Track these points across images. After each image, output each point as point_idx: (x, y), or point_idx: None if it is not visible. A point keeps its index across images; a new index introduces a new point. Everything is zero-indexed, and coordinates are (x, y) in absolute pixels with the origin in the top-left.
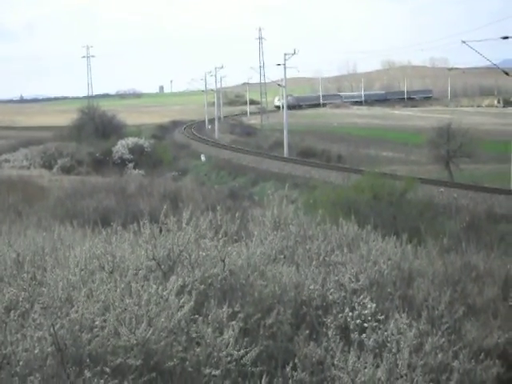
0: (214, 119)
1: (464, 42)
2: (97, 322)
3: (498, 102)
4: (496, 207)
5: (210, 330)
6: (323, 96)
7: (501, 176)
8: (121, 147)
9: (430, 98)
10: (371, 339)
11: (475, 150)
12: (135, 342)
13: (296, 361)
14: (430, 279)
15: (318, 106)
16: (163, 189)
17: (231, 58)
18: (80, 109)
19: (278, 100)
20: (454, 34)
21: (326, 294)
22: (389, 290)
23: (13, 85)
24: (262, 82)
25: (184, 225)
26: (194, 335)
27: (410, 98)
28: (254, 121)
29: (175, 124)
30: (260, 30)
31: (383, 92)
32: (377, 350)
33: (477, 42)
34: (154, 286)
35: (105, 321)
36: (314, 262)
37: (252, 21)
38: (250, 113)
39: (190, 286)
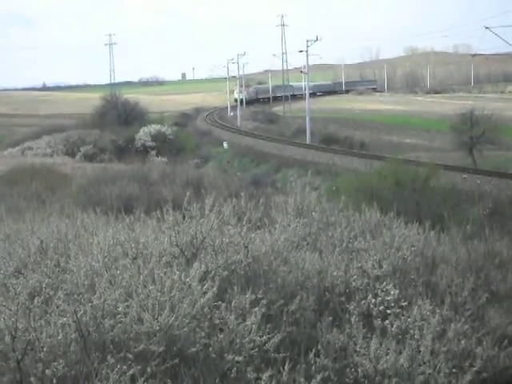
0: (236, 106)
1: (487, 27)
2: (120, 309)
3: None
4: None
5: (232, 316)
6: (276, 87)
7: None
8: (143, 134)
9: (375, 89)
10: (394, 326)
11: (499, 137)
12: (158, 328)
13: (319, 347)
14: (453, 266)
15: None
16: (186, 176)
17: (253, 45)
18: (103, 96)
19: (238, 93)
20: (477, 20)
21: (349, 281)
22: (412, 276)
23: (35, 72)
24: (285, 68)
25: (207, 211)
26: (217, 321)
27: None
28: (276, 108)
29: (198, 111)
30: (282, 16)
31: (330, 83)
32: (399, 337)
33: (500, 27)
34: (178, 273)
35: (128, 307)
36: (337, 249)
37: (274, 7)
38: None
39: (213, 273)
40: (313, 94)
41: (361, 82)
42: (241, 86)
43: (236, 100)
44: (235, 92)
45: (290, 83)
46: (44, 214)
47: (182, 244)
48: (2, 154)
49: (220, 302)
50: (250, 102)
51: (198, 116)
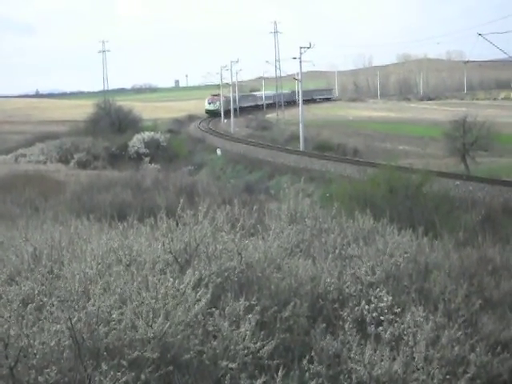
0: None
1: (480, 34)
2: (114, 316)
3: None
4: None
5: (226, 323)
6: (242, 96)
7: None
8: (137, 141)
9: (329, 98)
10: (388, 332)
11: (491, 143)
12: (152, 335)
13: (312, 354)
14: (446, 272)
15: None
16: (179, 183)
17: (246, 52)
18: (96, 103)
19: (210, 103)
20: (470, 27)
21: (342, 287)
22: (405, 283)
23: (29, 79)
24: (278, 75)
25: (200, 218)
26: (210, 328)
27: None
28: (269, 115)
29: (191, 118)
30: (275, 23)
31: (290, 92)
32: (393, 343)
33: (493, 34)
34: (171, 280)
35: (122, 314)
36: (330, 256)
37: (267, 14)
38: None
39: (206, 280)
40: (274, 104)
41: (319, 90)
42: (213, 95)
43: (207, 111)
44: (206, 103)
45: (254, 93)
46: (37, 221)
47: (176, 251)
48: None
49: (214, 309)
50: (219, 114)
51: (191, 123)
